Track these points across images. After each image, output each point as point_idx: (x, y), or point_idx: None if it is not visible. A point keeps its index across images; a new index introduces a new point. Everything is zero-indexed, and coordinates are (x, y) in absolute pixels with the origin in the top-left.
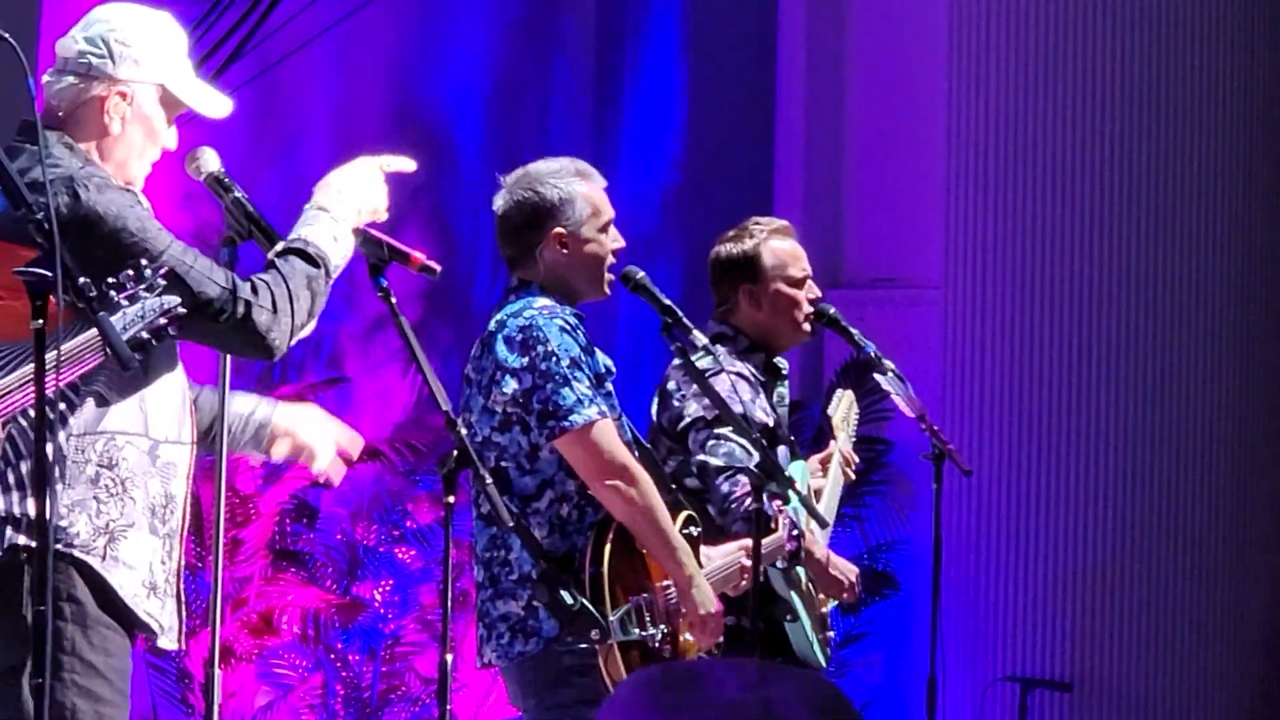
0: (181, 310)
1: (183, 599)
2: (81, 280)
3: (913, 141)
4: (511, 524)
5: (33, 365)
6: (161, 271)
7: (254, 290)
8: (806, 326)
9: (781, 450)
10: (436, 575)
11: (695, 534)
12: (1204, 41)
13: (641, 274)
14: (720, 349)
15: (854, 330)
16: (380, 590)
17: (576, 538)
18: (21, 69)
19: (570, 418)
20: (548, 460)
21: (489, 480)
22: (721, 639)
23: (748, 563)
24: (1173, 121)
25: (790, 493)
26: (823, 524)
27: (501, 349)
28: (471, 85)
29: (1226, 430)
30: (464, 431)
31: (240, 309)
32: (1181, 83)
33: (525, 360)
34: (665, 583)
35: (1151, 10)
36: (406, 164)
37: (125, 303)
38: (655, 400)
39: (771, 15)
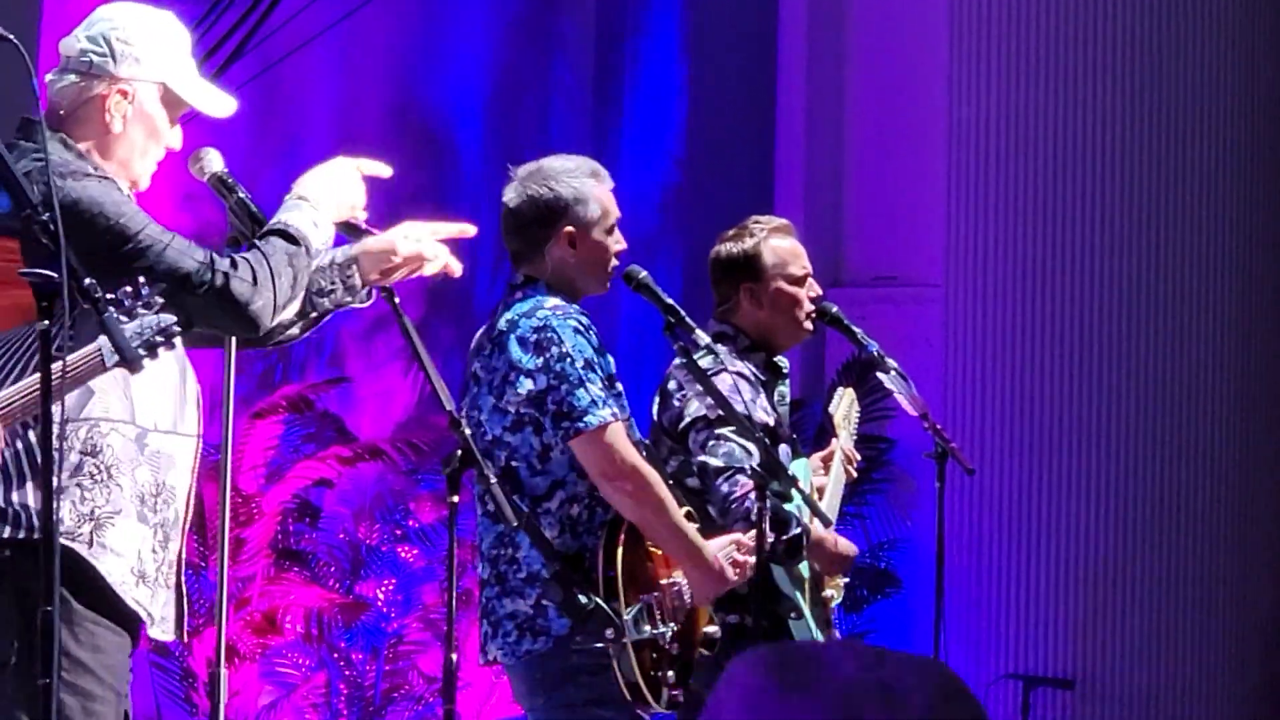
0: (178, 329)
1: (184, 591)
2: (87, 281)
3: (913, 140)
4: (517, 523)
5: (36, 376)
6: (159, 289)
7: (233, 264)
8: (808, 325)
9: (783, 449)
10: (439, 574)
11: (696, 530)
12: (1205, 37)
13: (644, 273)
14: (722, 348)
15: (857, 329)
16: (383, 589)
17: (587, 538)
18: (24, 68)
19: (585, 419)
20: (559, 461)
21: (493, 479)
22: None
23: (739, 557)
24: (1174, 118)
25: (793, 491)
26: (826, 522)
27: (515, 349)
28: (472, 84)
29: (1230, 426)
30: (468, 431)
31: (219, 280)
32: (1182, 78)
33: (540, 361)
34: (670, 580)
35: (1152, 7)
36: (382, 169)
37: (124, 319)
38: (656, 399)
39: (772, 14)
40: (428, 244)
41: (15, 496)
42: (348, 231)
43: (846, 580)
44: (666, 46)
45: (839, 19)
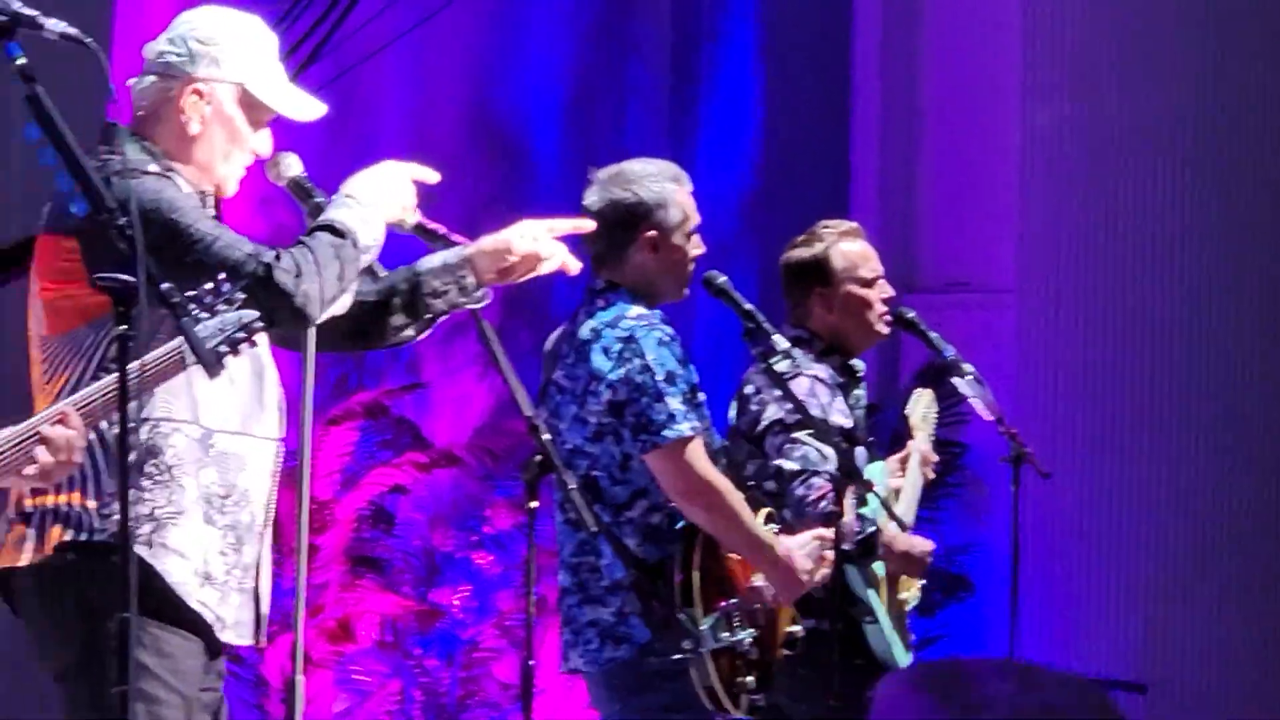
0: (260, 325)
1: (261, 597)
2: (165, 285)
3: (987, 145)
4: (597, 529)
5: (114, 375)
6: (240, 286)
7: (277, 256)
8: (881, 327)
9: (859, 452)
10: (514, 581)
11: (775, 531)
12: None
13: (723, 278)
14: (799, 352)
15: (933, 334)
16: (458, 596)
17: (669, 545)
18: (101, 73)
19: (663, 433)
20: (640, 470)
21: (573, 485)
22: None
23: (823, 552)
24: (1249, 120)
25: (869, 494)
26: (902, 526)
27: (598, 359)
28: (547, 90)
29: None
30: (547, 437)
31: (261, 270)
32: (1259, 82)
33: (622, 372)
34: (752, 584)
35: (1227, 9)
36: (430, 174)
37: (204, 315)
38: (734, 404)
39: (847, 19)
40: (544, 242)
41: (76, 499)
42: (422, 235)
43: (923, 583)
44: (742, 52)
45: (913, 24)
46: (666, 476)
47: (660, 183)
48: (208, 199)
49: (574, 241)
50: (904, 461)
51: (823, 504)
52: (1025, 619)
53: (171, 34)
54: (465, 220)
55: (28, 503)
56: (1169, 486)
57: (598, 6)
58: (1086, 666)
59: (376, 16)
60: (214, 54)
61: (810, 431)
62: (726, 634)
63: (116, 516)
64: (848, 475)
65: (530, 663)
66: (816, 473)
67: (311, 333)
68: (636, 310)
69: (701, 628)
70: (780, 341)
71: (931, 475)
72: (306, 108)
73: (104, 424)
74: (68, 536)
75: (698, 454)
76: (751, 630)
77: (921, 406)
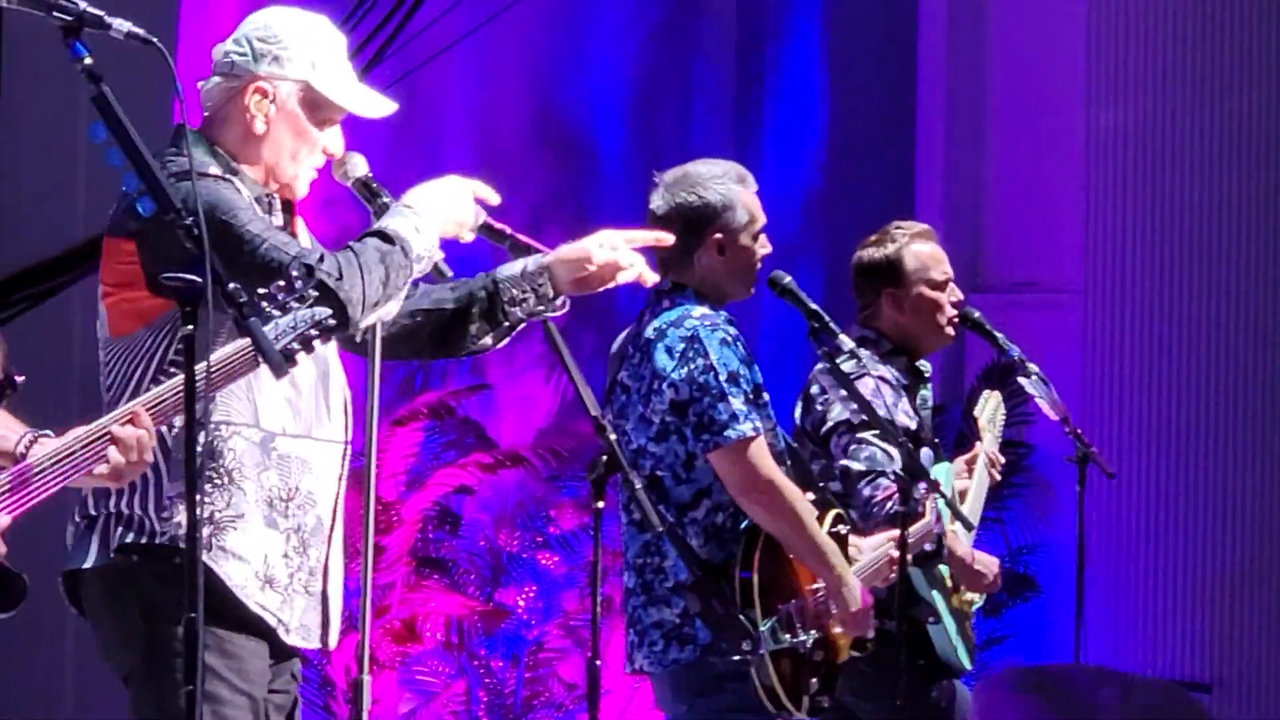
0: (332, 321)
1: (330, 600)
2: (231, 285)
3: (1053, 145)
4: (662, 529)
5: (183, 375)
6: (313, 283)
7: (321, 258)
8: (950, 330)
9: (925, 453)
10: (579, 581)
11: (844, 531)
12: None
13: (788, 279)
14: (865, 352)
15: (998, 334)
16: (523, 596)
17: (733, 545)
18: (167, 72)
19: (725, 433)
20: (704, 469)
21: (639, 485)
22: (872, 634)
23: (897, 554)
24: None
25: (935, 495)
26: (968, 526)
27: (661, 358)
28: (612, 89)
29: None
30: (613, 437)
31: (303, 270)
32: None
33: (684, 372)
34: (814, 586)
35: None
36: (492, 195)
37: (276, 313)
38: (799, 403)
39: (912, 19)
40: (623, 252)
41: (138, 501)
42: (489, 235)
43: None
44: (807, 51)
45: (978, 24)
46: (729, 475)
47: (725, 184)
48: (273, 202)
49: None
50: (971, 463)
51: (889, 505)
52: (1091, 619)
53: (237, 34)
54: (530, 220)
55: (91, 506)
56: (1234, 485)
57: (662, 6)
58: (1151, 666)
59: (441, 17)
60: (277, 52)
61: (876, 432)
62: (788, 635)
63: (177, 519)
64: (913, 476)
65: (596, 663)
66: (883, 473)
67: (379, 333)
68: (700, 310)
69: (761, 629)
70: (846, 341)
71: (998, 477)
72: (374, 105)
73: (165, 427)
74: (129, 539)
75: (760, 453)
76: (814, 632)
77: (989, 408)
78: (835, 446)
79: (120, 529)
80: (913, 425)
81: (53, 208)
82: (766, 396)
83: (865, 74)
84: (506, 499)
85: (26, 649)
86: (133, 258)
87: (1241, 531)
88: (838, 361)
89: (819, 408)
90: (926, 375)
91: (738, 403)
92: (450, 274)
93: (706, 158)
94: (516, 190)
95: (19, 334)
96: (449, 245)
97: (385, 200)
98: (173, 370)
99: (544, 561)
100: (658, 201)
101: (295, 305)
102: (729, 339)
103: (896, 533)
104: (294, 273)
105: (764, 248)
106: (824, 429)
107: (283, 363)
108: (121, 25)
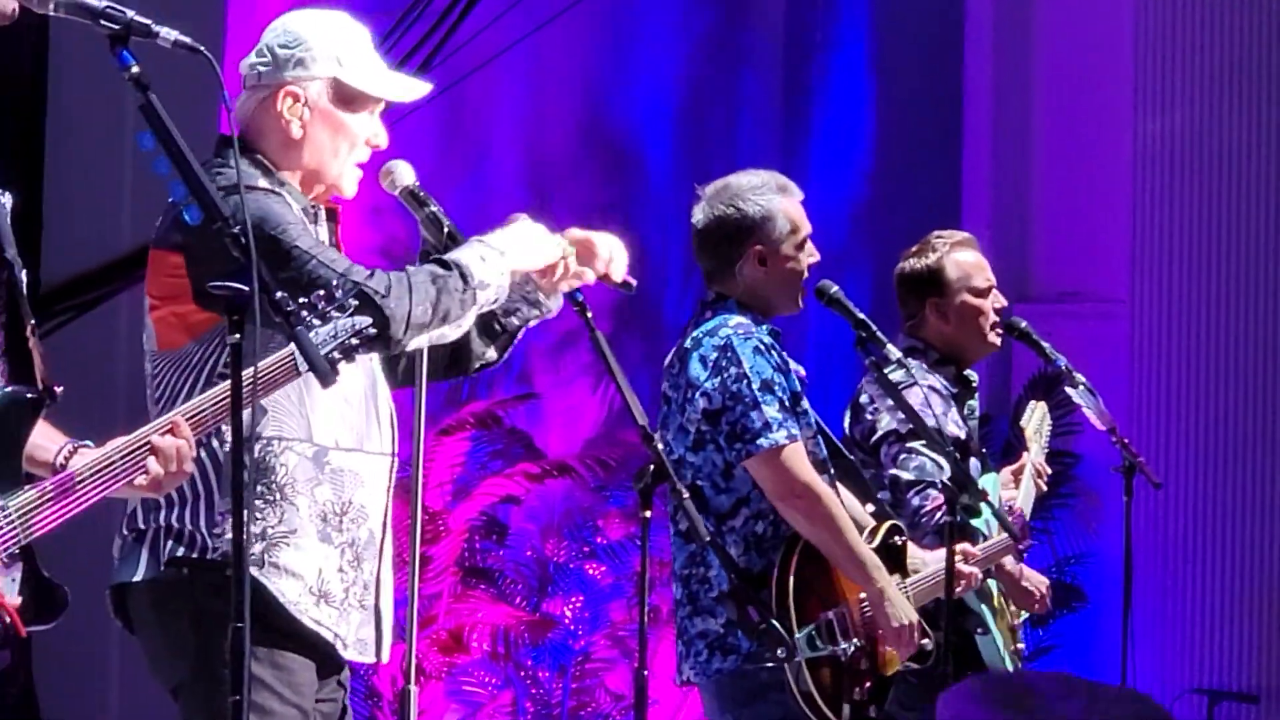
0: (373, 331)
1: (383, 612)
2: (279, 294)
3: (1099, 155)
4: (709, 539)
5: (225, 385)
6: (353, 292)
7: (370, 275)
8: (994, 337)
9: (973, 463)
10: (627, 591)
11: (900, 543)
12: None
13: (836, 288)
14: (913, 362)
15: (1045, 343)
16: (570, 607)
17: (773, 554)
18: (214, 81)
19: (758, 441)
20: (742, 478)
21: (686, 495)
22: (929, 644)
23: (965, 568)
24: None
25: (983, 505)
26: (1015, 537)
27: (695, 367)
28: (660, 100)
29: None
30: (661, 447)
31: (350, 287)
32: None
33: (717, 380)
34: (862, 595)
35: None
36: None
37: (317, 322)
38: (848, 413)
39: (958, 30)
40: (606, 249)
41: (189, 515)
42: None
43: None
44: (854, 62)
45: (1025, 33)
46: (766, 482)
47: (765, 195)
48: (318, 213)
49: (684, 252)
50: (1017, 474)
51: (938, 515)
52: (1138, 629)
53: (259, 46)
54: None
55: (141, 520)
56: None
57: (710, 17)
58: (1199, 676)
59: (488, 26)
60: (299, 55)
61: (924, 442)
62: (826, 643)
63: (229, 534)
64: (961, 486)
65: (643, 673)
66: (932, 483)
67: (424, 348)
68: (736, 320)
69: (796, 636)
70: (893, 351)
71: (1044, 488)
72: (407, 89)
73: (216, 442)
74: (180, 553)
75: (797, 459)
76: (857, 641)
77: (1036, 419)
78: (884, 456)
79: (171, 543)
80: (961, 435)
81: (99, 217)
82: (807, 404)
83: (912, 84)
84: (553, 509)
85: (70, 662)
86: (180, 271)
87: None
88: (886, 371)
89: (868, 417)
90: (974, 385)
91: (771, 410)
92: None
93: (752, 168)
94: (564, 199)
95: (65, 344)
96: None
97: (433, 209)
98: (219, 381)
99: (591, 571)
100: (698, 214)
101: (336, 315)
102: (762, 347)
103: (966, 546)
104: (337, 287)
105: (811, 256)
106: (873, 438)
107: (329, 371)
108: (169, 34)
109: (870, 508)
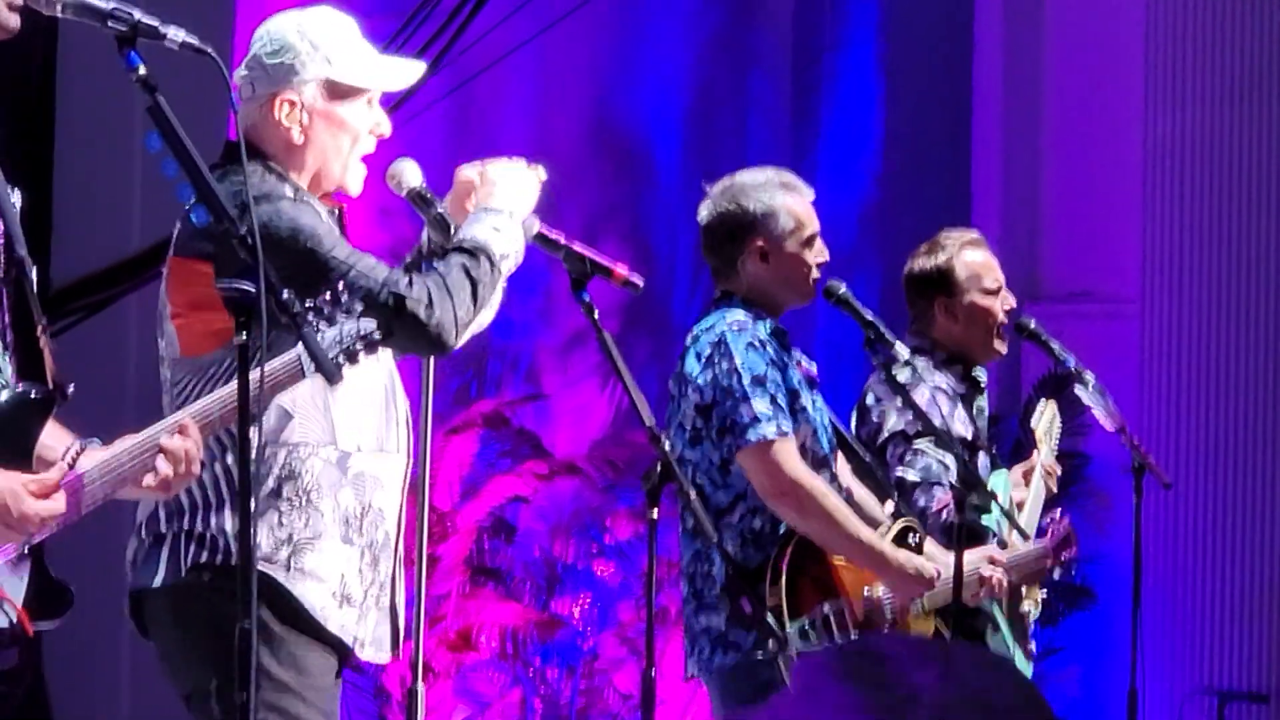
0: (378, 335)
1: (398, 611)
2: (285, 295)
3: (1110, 155)
4: (716, 538)
5: (231, 385)
6: (359, 296)
7: (410, 284)
8: (1000, 345)
9: (981, 462)
10: (635, 591)
11: (915, 542)
12: None
13: (844, 288)
14: (921, 361)
15: (1055, 343)
16: (579, 606)
17: (770, 549)
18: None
19: (746, 434)
20: (738, 474)
21: (694, 494)
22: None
23: (988, 572)
24: None
25: (991, 504)
26: (1025, 536)
27: (690, 362)
28: (669, 100)
29: None
30: (667, 446)
31: (392, 301)
32: None
33: (709, 375)
34: (867, 591)
35: None
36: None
37: (323, 325)
38: (855, 413)
39: (968, 30)
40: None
41: (214, 521)
42: (543, 244)
43: (1045, 594)
44: (863, 62)
45: (1035, 34)
46: (755, 477)
47: (768, 191)
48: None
49: (693, 252)
50: (1028, 474)
51: (945, 515)
52: (1148, 629)
53: (247, 58)
54: (586, 229)
55: (162, 524)
56: None
57: (719, 17)
58: (1209, 677)
59: (496, 26)
60: (288, 61)
61: (931, 440)
62: (821, 637)
63: (255, 541)
64: (969, 486)
65: (651, 672)
66: (938, 483)
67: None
68: (734, 316)
69: (789, 629)
70: (901, 350)
71: (1054, 489)
72: (400, 76)
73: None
74: (203, 558)
75: (785, 454)
76: (851, 634)
77: (1046, 419)
78: (891, 456)
79: (193, 547)
80: (968, 434)
81: (108, 218)
82: (805, 401)
83: (921, 85)
84: (562, 508)
85: (81, 660)
86: (207, 280)
87: None
88: (893, 371)
89: (875, 418)
90: (982, 384)
91: (761, 405)
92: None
93: (759, 166)
94: (572, 199)
95: (74, 344)
96: None
97: (440, 209)
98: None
99: (599, 571)
100: (703, 212)
101: (342, 318)
102: (756, 343)
103: (989, 550)
104: (382, 300)
105: (820, 255)
106: (880, 439)
107: (336, 371)
108: (176, 35)
109: (889, 507)
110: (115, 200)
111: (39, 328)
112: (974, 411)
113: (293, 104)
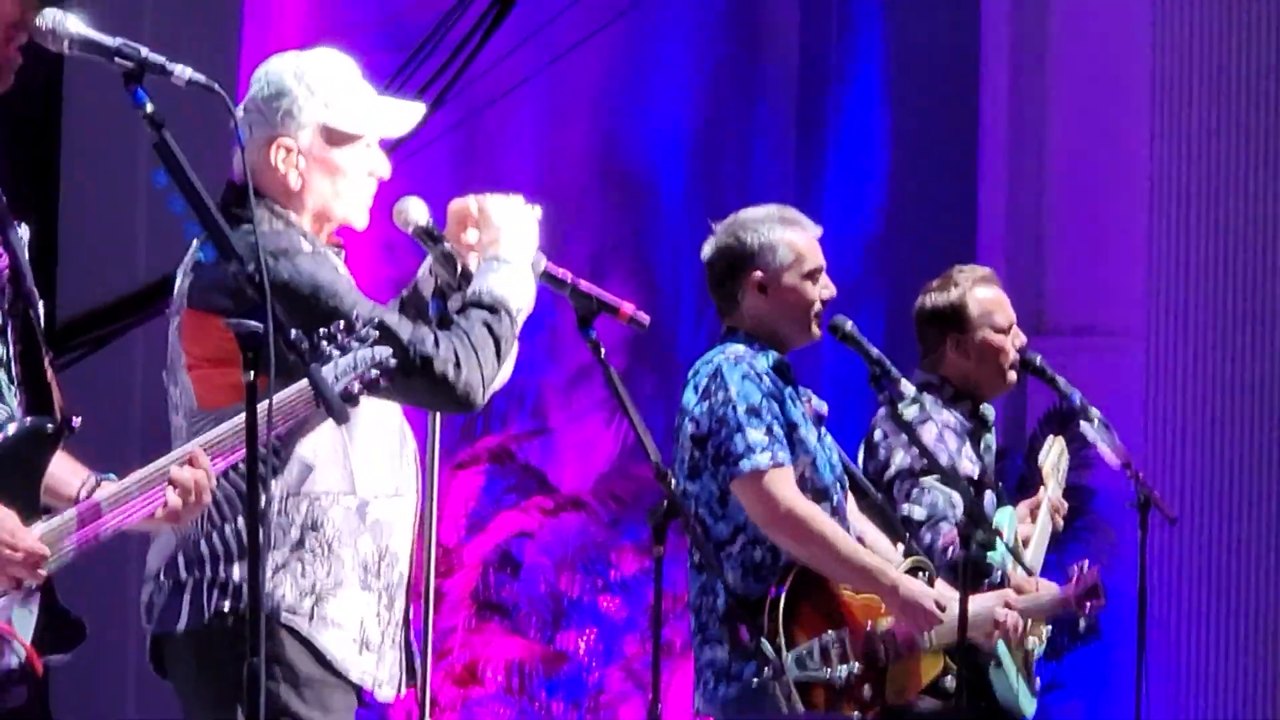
0: (393, 362)
1: (411, 647)
2: (294, 333)
3: (1115, 189)
4: (720, 570)
5: (242, 417)
6: (374, 323)
7: (436, 343)
8: (1012, 374)
9: (988, 498)
10: (640, 625)
11: (924, 579)
12: None
13: (850, 324)
14: (928, 398)
15: (1060, 378)
16: (584, 640)
17: (771, 580)
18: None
19: (740, 464)
20: (738, 505)
21: (700, 529)
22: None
23: (1002, 615)
24: None
25: (997, 540)
26: (1030, 572)
27: (688, 394)
28: (674, 132)
29: None
30: (674, 482)
31: (420, 362)
32: None
33: (705, 406)
34: (870, 625)
35: None
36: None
37: (336, 353)
38: (861, 450)
39: (974, 62)
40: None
41: (236, 571)
42: (550, 283)
43: (1049, 628)
44: (869, 95)
45: (1040, 67)
46: (750, 506)
47: (767, 225)
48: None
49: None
50: (1035, 509)
51: (951, 551)
52: (1152, 663)
53: (245, 101)
54: (592, 262)
55: (182, 570)
56: None
57: (725, 49)
58: (1213, 711)
59: (503, 59)
60: (285, 106)
61: (937, 478)
62: (820, 666)
63: (281, 591)
64: (974, 522)
65: (658, 707)
66: (944, 519)
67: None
68: (734, 348)
69: (786, 657)
70: (908, 387)
71: (1061, 525)
72: (398, 121)
73: (264, 497)
74: (226, 606)
75: (780, 484)
76: (857, 664)
77: (1053, 455)
78: (898, 493)
79: (215, 594)
80: (975, 471)
81: (113, 252)
82: (803, 432)
83: (927, 117)
84: (567, 543)
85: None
86: (227, 334)
87: None
88: (900, 407)
89: (881, 454)
90: (990, 420)
91: (756, 434)
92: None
93: (767, 201)
94: (578, 232)
95: (80, 378)
96: None
97: (446, 246)
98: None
99: (605, 605)
100: (706, 248)
101: (355, 346)
102: (752, 374)
103: (1005, 593)
104: (409, 359)
105: (825, 289)
106: (887, 475)
107: (344, 410)
108: (183, 72)
109: (901, 548)
110: (120, 235)
111: (46, 360)
112: (981, 448)
113: (289, 149)
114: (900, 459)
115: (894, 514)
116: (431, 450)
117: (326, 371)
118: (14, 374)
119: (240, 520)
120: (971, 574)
